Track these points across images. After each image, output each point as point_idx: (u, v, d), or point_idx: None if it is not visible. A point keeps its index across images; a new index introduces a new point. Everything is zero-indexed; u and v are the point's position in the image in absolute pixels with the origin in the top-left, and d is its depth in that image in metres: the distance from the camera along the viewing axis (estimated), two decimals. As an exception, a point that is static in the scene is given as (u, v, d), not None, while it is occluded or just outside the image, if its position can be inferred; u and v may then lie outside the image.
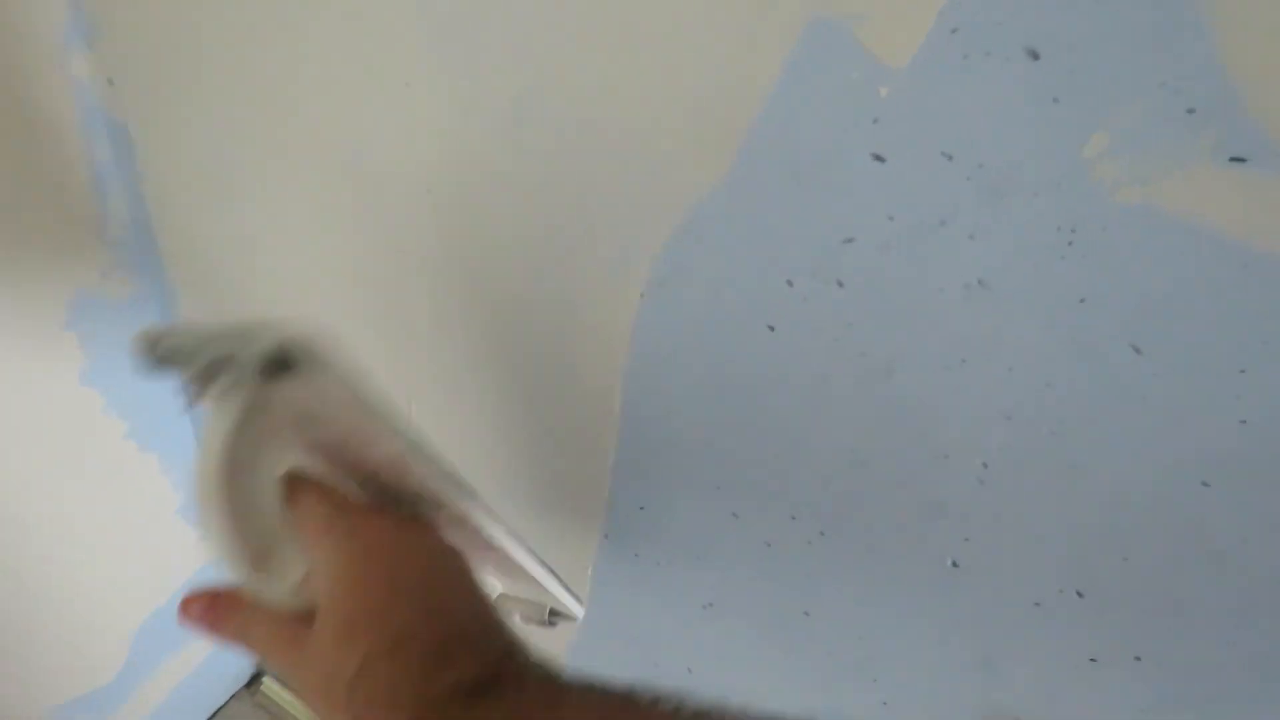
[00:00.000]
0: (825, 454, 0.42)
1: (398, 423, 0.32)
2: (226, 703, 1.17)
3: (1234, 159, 0.26)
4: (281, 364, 0.29)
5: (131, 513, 0.91)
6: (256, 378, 0.29)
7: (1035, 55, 0.28)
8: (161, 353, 0.29)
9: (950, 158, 0.31)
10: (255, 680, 1.18)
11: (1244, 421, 0.30)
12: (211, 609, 0.31)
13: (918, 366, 0.36)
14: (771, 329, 0.40)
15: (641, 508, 0.53)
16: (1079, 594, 0.38)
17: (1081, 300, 0.31)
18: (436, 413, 0.59)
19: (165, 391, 0.84)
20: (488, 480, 0.59)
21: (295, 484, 0.32)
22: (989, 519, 0.39)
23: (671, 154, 0.38)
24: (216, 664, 1.12)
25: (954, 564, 0.41)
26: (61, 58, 0.61)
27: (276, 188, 0.57)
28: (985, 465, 0.37)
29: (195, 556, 1.02)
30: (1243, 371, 0.30)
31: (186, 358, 0.29)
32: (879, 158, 0.33)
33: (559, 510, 0.58)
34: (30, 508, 0.79)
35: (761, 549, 0.49)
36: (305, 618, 0.28)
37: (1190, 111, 0.26)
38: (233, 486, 0.29)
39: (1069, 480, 0.35)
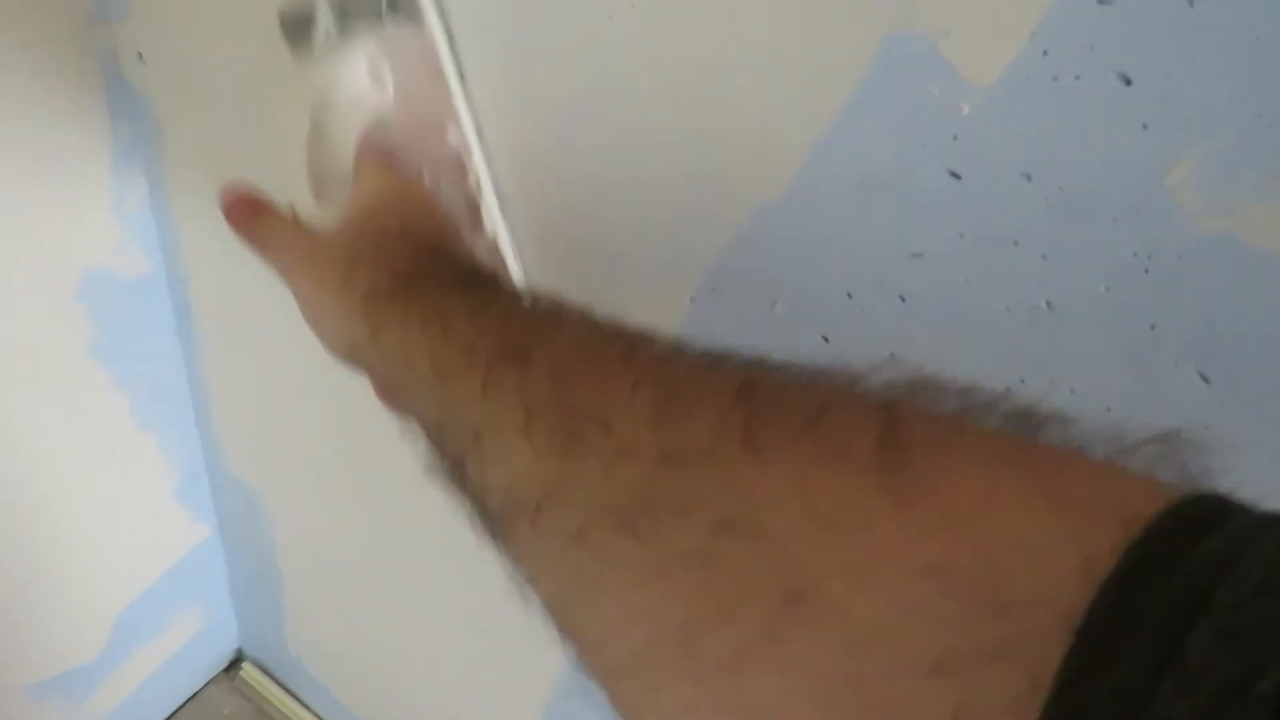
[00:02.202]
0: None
1: (469, 112, 0.38)
2: (205, 686, 1.16)
3: (1324, 194, 0.27)
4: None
5: (126, 491, 0.89)
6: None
7: (1128, 81, 0.28)
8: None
9: (1029, 178, 0.31)
10: (235, 665, 1.17)
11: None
12: (250, 210, 0.36)
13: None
14: (826, 340, 0.40)
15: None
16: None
17: (1152, 327, 0.32)
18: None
19: (168, 370, 0.83)
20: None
21: (366, 140, 0.39)
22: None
23: (734, 159, 0.38)
24: (197, 647, 1.11)
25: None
26: (92, 29, 0.59)
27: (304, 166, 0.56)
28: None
29: (185, 539, 1.01)
30: (1312, 405, 0.30)
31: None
32: (955, 174, 0.33)
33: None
34: (27, 480, 0.77)
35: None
36: (318, 237, 0.34)
37: (1277, 144, 0.27)
38: (328, 123, 0.39)
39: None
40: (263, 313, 0.69)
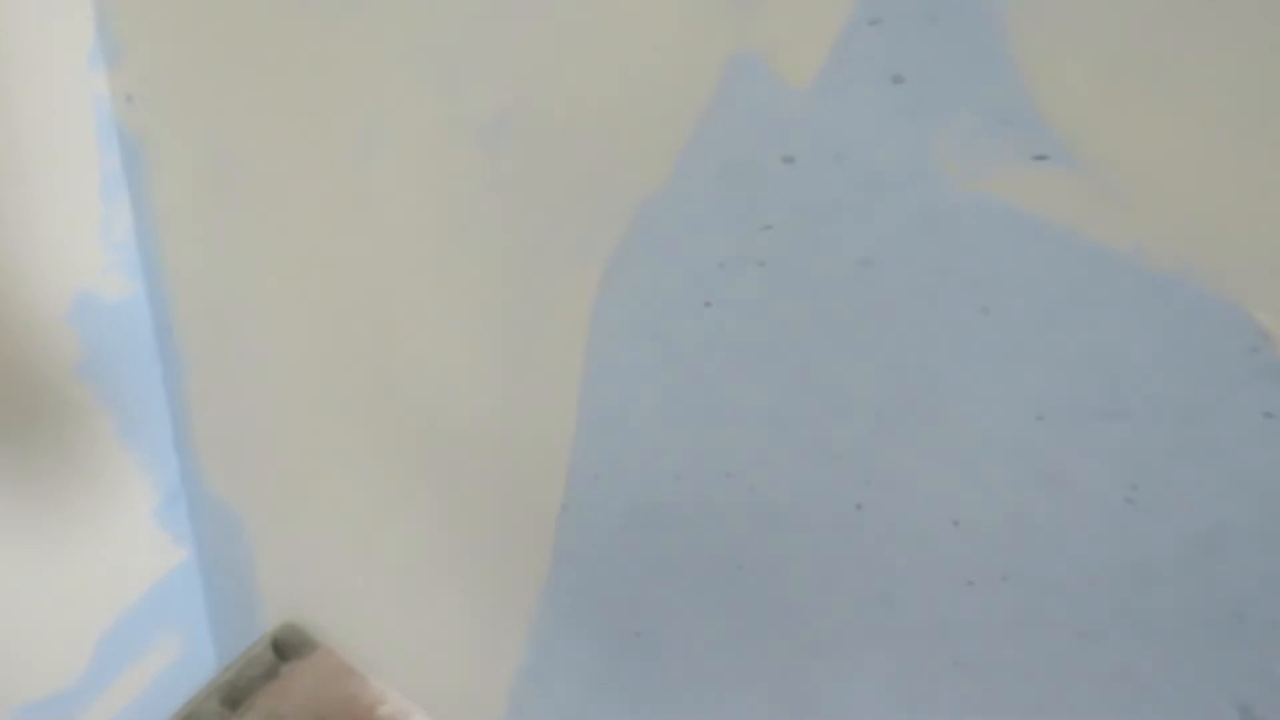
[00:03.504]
0: (752, 415, 0.50)
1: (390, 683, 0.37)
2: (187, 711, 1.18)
3: (1037, 157, 0.36)
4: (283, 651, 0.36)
5: (108, 512, 0.94)
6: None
7: (900, 80, 0.38)
8: None
9: (839, 160, 0.40)
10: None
11: (1061, 362, 0.39)
12: None
13: (823, 331, 0.45)
14: (708, 305, 0.48)
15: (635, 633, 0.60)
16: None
17: (943, 272, 0.40)
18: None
19: (149, 391, 0.89)
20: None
21: None
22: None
23: (625, 162, 0.47)
24: (177, 671, 1.14)
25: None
26: (84, 75, 0.68)
27: (282, 197, 0.64)
28: (879, 414, 0.46)
29: (163, 562, 1.05)
30: (1056, 323, 0.39)
31: None
32: (789, 159, 0.42)
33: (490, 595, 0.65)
34: (19, 499, 0.82)
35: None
36: None
37: (1004, 122, 0.36)
38: None
39: (940, 424, 0.44)
40: (242, 335, 0.76)
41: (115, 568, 0.98)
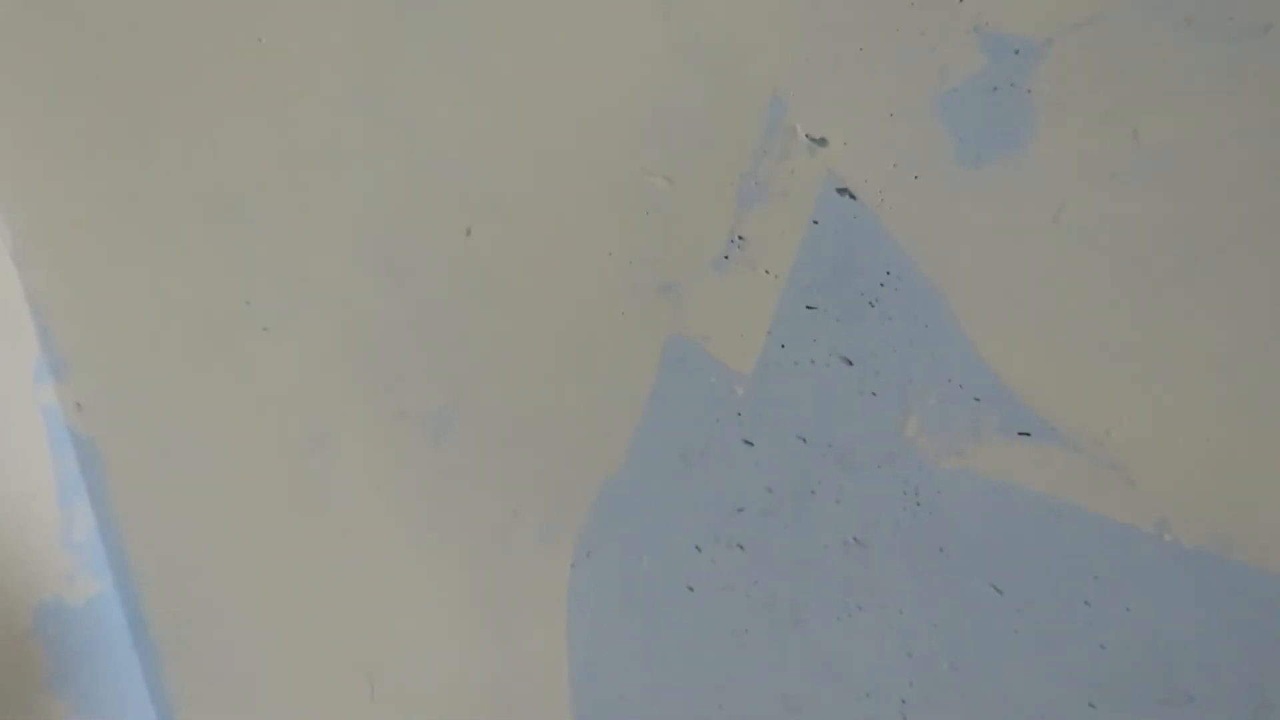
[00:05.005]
0: (755, 700, 0.44)
1: None
2: None
3: (1020, 433, 0.32)
4: None
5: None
6: None
7: (849, 361, 0.34)
8: None
9: (805, 440, 0.37)
10: None
11: (1103, 646, 0.34)
12: None
13: (820, 615, 0.40)
14: (691, 589, 0.43)
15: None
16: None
17: (940, 549, 0.36)
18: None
19: (127, 686, 0.83)
20: None
21: None
22: (920, 750, 0.41)
23: (582, 447, 0.43)
24: None
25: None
26: (32, 388, 0.66)
27: (237, 494, 0.61)
28: (904, 701, 0.40)
29: None
30: (1087, 603, 0.33)
31: None
32: (749, 442, 0.38)
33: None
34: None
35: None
36: None
37: (977, 400, 0.32)
38: None
39: (977, 710, 0.38)
40: (218, 625, 0.71)
41: None
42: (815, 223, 0.33)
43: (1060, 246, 0.29)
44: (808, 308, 0.34)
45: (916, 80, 0.29)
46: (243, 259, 0.51)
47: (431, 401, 0.47)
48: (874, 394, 0.34)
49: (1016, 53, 0.28)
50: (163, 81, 0.49)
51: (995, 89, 0.28)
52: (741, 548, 0.41)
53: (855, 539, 0.38)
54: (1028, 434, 0.32)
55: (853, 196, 0.31)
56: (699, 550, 0.42)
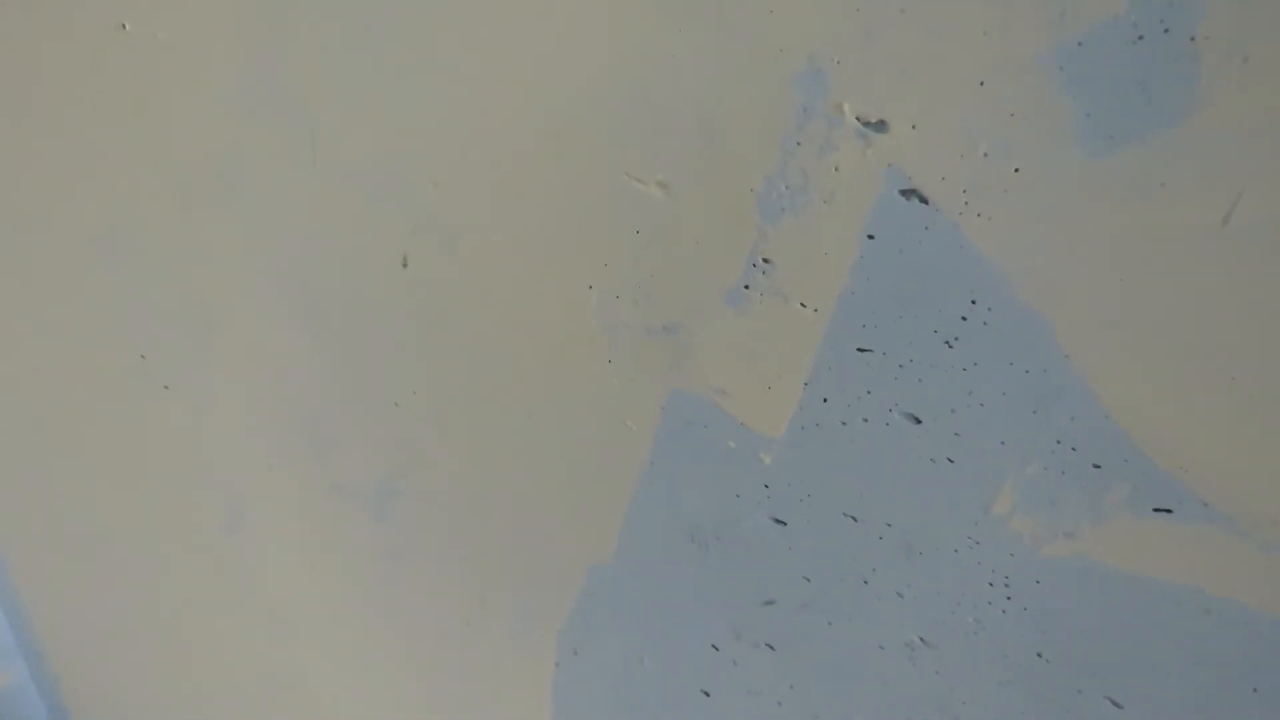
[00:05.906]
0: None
1: None
2: None
3: (1158, 509, 0.24)
4: None
5: None
6: None
7: (917, 419, 0.26)
8: None
9: (855, 519, 0.28)
10: None
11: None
12: None
13: (878, 730, 0.31)
14: (706, 694, 0.34)
15: None
16: None
17: (1039, 655, 0.27)
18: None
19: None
20: None
21: None
22: None
23: (562, 525, 0.34)
24: None
25: None
26: None
27: (143, 567, 0.52)
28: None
29: None
30: (1242, 723, 0.25)
31: None
32: (779, 520, 0.29)
33: None
34: None
35: None
36: None
37: (1096, 467, 0.24)
38: None
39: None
40: (140, 696, 0.62)
41: None
42: (870, 237, 0.24)
43: (1230, 258, 0.20)
44: (859, 350, 0.26)
45: (1020, 29, 0.20)
46: (131, 303, 0.41)
47: (371, 471, 0.38)
48: (950, 461, 0.26)
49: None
50: (7, 75, 0.39)
51: (1141, 38, 0.19)
52: (771, 648, 0.32)
53: (921, 639, 0.29)
54: (1168, 510, 0.24)
55: (924, 200, 0.23)
56: (716, 649, 0.33)
